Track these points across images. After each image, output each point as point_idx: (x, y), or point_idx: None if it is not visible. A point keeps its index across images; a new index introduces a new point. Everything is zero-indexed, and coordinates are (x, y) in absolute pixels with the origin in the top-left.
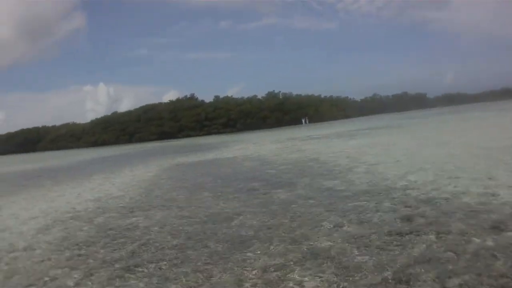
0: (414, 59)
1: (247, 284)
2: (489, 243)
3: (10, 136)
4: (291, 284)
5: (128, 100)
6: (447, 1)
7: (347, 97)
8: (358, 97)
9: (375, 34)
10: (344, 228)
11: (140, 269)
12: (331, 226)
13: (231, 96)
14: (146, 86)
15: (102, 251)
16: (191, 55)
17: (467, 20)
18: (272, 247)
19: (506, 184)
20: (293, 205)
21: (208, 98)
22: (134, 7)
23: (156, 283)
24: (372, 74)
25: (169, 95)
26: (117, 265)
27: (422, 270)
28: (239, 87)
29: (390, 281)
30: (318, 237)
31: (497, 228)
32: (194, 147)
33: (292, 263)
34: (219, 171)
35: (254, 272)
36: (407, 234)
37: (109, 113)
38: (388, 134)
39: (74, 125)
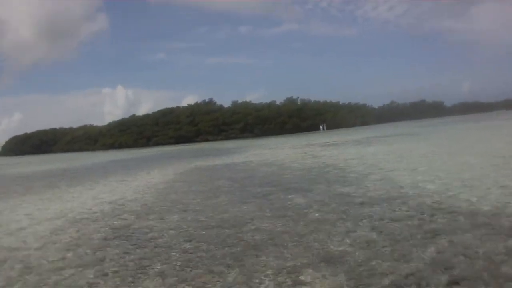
0: (432, 67)
1: (259, 286)
2: (501, 249)
3: (26, 137)
4: (303, 287)
5: (147, 104)
6: (465, 11)
7: (365, 104)
8: (376, 104)
9: (393, 41)
10: (358, 233)
11: (154, 270)
12: (345, 231)
13: (250, 101)
14: (165, 91)
15: (116, 251)
16: (211, 60)
17: (484, 30)
18: (285, 251)
19: None
20: (308, 211)
21: (227, 103)
22: (155, 10)
23: (170, 284)
24: (390, 82)
25: (188, 100)
26: (131, 266)
27: (434, 275)
28: (258, 93)
29: (401, 285)
30: (331, 242)
31: (508, 236)
32: (211, 151)
33: (304, 266)
34: (236, 175)
35: (267, 273)
36: (419, 239)
37: (127, 116)
38: (405, 141)
39: (91, 127)
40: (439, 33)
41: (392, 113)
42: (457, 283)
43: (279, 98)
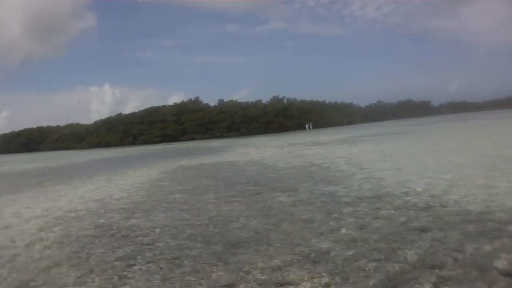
0: (419, 66)
1: (245, 284)
2: (486, 249)
3: (13, 135)
4: (288, 285)
5: (133, 103)
6: (454, 11)
7: (352, 103)
8: (362, 103)
9: (381, 40)
10: (343, 232)
11: (140, 268)
12: (330, 230)
13: (236, 100)
14: (152, 89)
15: (102, 250)
16: (198, 58)
17: (473, 30)
18: (271, 249)
19: (505, 192)
20: (293, 209)
21: (214, 102)
22: (143, 8)
23: (156, 282)
24: (377, 81)
25: (174, 98)
26: (117, 264)
27: (418, 274)
28: (245, 92)
29: (387, 284)
30: (316, 241)
31: (493, 234)
32: (197, 150)
33: (290, 264)
34: (222, 174)
35: (252, 272)
36: (403, 239)
37: (113, 115)
38: (391, 141)
39: (78, 125)
40: (427, 32)
41: (379, 113)
42: (443, 282)
43: (265, 97)
